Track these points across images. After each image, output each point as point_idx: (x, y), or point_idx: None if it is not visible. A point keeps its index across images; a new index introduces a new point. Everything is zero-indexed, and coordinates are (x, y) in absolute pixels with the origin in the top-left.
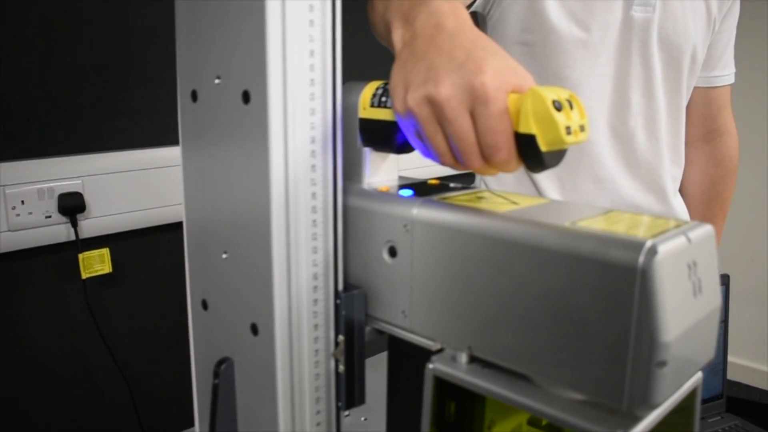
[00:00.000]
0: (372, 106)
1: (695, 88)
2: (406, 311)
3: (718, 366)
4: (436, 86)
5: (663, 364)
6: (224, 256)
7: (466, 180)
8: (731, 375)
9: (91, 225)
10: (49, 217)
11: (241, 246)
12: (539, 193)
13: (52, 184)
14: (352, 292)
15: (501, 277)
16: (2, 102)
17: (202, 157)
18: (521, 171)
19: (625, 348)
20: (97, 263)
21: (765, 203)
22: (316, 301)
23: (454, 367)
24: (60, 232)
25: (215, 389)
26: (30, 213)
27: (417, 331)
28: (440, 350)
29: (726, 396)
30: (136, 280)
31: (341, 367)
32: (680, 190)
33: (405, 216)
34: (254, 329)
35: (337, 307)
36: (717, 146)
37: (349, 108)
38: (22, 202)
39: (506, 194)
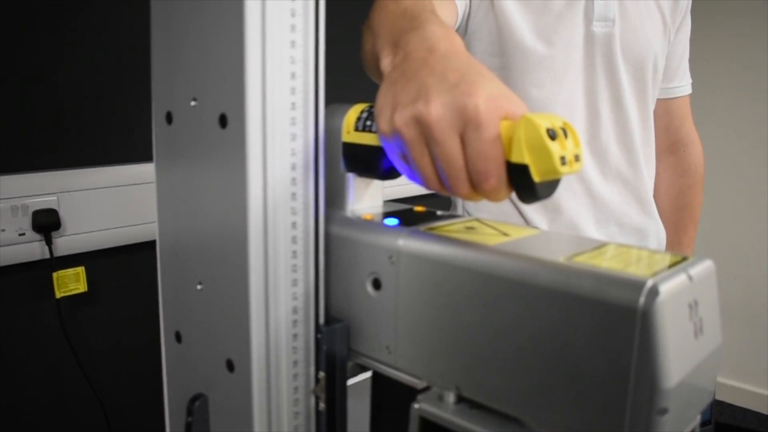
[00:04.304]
0: (356, 130)
1: (657, 100)
2: (391, 347)
3: None
4: (427, 105)
5: (664, 411)
6: (199, 287)
7: (443, 201)
8: (717, 395)
9: (66, 243)
10: (23, 234)
11: (216, 277)
12: (518, 209)
13: (26, 201)
14: (334, 326)
15: (491, 315)
16: None
17: (177, 183)
18: None
19: (624, 394)
20: (72, 282)
21: (749, 223)
22: (295, 336)
23: (440, 407)
24: (34, 249)
25: (188, 427)
26: (3, 230)
27: (402, 368)
28: (426, 389)
29: (714, 422)
30: (112, 300)
31: (322, 405)
32: None
33: (390, 247)
34: (230, 365)
35: (317, 341)
36: (682, 157)
37: (332, 132)
38: None
39: (496, 224)
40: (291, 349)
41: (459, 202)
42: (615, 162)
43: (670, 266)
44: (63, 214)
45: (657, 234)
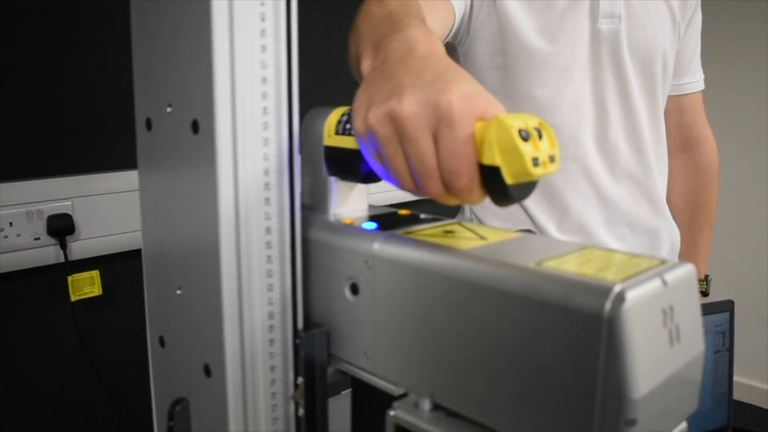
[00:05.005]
0: (337, 133)
1: (668, 97)
2: (369, 353)
3: (723, 396)
4: (400, 102)
5: (632, 423)
6: (178, 292)
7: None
8: (739, 395)
9: (80, 247)
10: (38, 239)
11: (193, 282)
12: (527, 212)
13: (40, 206)
14: (313, 331)
15: (462, 321)
16: None
17: (157, 189)
18: None
19: (591, 404)
20: (86, 285)
21: None
22: (272, 341)
23: (416, 414)
24: (49, 254)
25: (170, 431)
26: (18, 235)
27: (380, 374)
28: (403, 395)
29: (732, 428)
30: (126, 303)
31: (301, 411)
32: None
33: (366, 251)
34: (207, 370)
35: (296, 346)
36: (696, 155)
37: (313, 135)
38: (11, 224)
39: (477, 228)
40: (268, 354)
41: (467, 206)
42: (625, 161)
43: (645, 271)
44: (77, 219)
45: (670, 235)
